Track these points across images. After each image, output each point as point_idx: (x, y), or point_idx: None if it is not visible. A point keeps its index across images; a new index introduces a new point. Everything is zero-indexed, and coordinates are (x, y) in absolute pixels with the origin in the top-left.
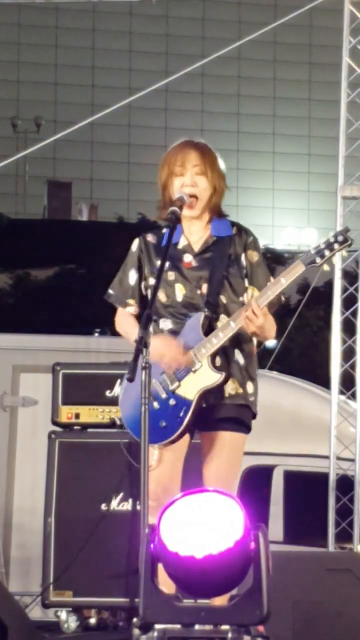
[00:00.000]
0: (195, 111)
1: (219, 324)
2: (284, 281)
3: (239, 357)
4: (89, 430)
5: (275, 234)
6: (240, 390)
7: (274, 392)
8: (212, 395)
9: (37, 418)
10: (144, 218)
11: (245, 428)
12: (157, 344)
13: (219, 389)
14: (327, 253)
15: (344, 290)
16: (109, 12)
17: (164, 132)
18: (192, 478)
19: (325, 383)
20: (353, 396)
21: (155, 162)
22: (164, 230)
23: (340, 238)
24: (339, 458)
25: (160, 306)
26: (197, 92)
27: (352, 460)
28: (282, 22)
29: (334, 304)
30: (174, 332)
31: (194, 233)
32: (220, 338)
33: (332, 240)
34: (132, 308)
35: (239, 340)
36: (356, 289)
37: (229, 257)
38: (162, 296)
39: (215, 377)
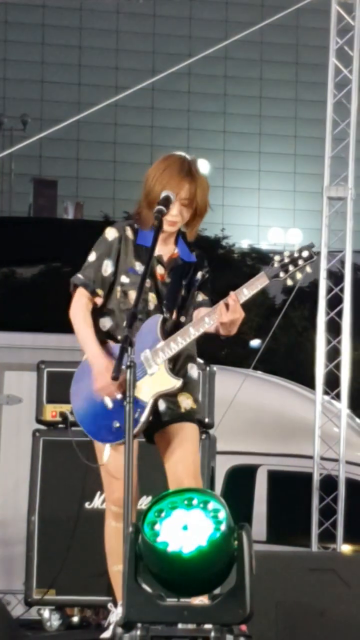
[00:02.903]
0: (181, 110)
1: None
2: (246, 292)
3: (192, 371)
4: (73, 428)
5: (261, 234)
6: (195, 406)
7: (258, 392)
8: (169, 407)
9: (21, 416)
10: (130, 216)
11: (197, 421)
12: (102, 368)
13: (175, 398)
14: (290, 268)
15: (329, 290)
16: (96, 10)
17: (150, 131)
18: (153, 476)
19: (309, 383)
20: (337, 396)
21: (141, 161)
22: (136, 226)
23: (305, 254)
24: (322, 458)
25: (122, 306)
26: (184, 92)
27: (336, 460)
28: (269, 22)
29: (319, 305)
30: (111, 334)
31: (166, 246)
32: (179, 343)
33: (296, 255)
34: (99, 299)
35: (191, 354)
36: (341, 290)
37: (188, 278)
38: (132, 297)
39: (173, 383)
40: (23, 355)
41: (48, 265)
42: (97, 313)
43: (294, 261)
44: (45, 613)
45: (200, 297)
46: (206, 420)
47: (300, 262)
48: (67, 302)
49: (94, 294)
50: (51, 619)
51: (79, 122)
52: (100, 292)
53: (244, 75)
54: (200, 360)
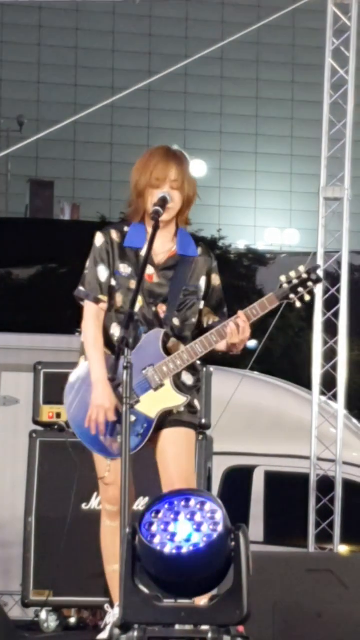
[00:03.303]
0: (178, 111)
1: (169, 345)
2: (255, 313)
3: (186, 377)
4: (70, 429)
5: (257, 235)
6: (186, 410)
7: (255, 392)
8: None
9: (18, 417)
10: (126, 217)
11: (194, 426)
12: (105, 397)
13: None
14: (300, 290)
15: (326, 291)
16: (93, 11)
17: (147, 132)
18: (148, 476)
19: (306, 384)
20: (334, 397)
21: None
22: (126, 229)
23: (313, 276)
24: (319, 459)
25: (112, 309)
26: (180, 92)
27: (333, 461)
28: (265, 23)
29: (316, 305)
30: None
31: (160, 244)
32: (185, 360)
33: (305, 277)
34: (105, 305)
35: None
36: (338, 290)
37: (189, 277)
38: (119, 300)
39: (180, 400)
40: (20, 356)
41: (45, 267)
42: (106, 325)
43: (302, 283)
44: (43, 614)
45: (211, 319)
46: (203, 421)
47: (310, 284)
48: (63, 303)
49: (97, 301)
50: (48, 620)
51: (75, 123)
52: (102, 297)
53: (241, 76)
54: (198, 365)
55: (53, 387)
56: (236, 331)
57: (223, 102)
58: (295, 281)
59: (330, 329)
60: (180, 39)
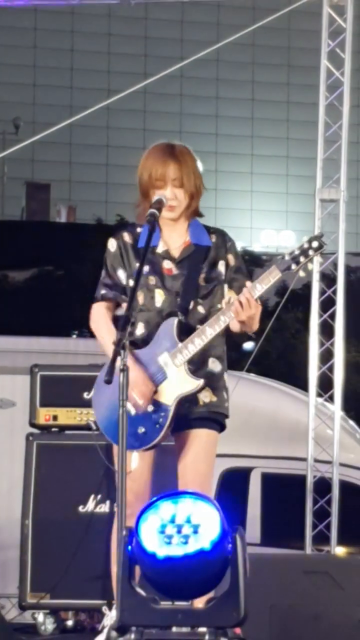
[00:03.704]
0: (173, 113)
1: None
2: (260, 288)
3: (213, 365)
4: (67, 432)
5: (254, 236)
6: (215, 399)
7: (252, 394)
8: (187, 402)
9: (14, 420)
10: (123, 220)
11: (218, 426)
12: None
13: (194, 395)
14: (302, 259)
15: (322, 292)
16: (88, 14)
17: (143, 134)
18: (171, 480)
19: (303, 385)
20: (331, 399)
21: (133, 164)
22: (139, 230)
23: (315, 244)
24: (316, 460)
25: (136, 309)
26: (176, 94)
27: (330, 462)
28: (260, 25)
29: (312, 307)
30: (146, 340)
31: (174, 239)
32: (196, 344)
33: (306, 246)
34: (125, 304)
35: (214, 348)
36: (334, 292)
37: (206, 264)
38: (140, 299)
39: (194, 384)
40: (16, 358)
41: (41, 269)
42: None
43: (304, 252)
44: (40, 617)
45: (229, 295)
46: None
47: (311, 252)
48: (60, 305)
49: (117, 298)
50: (45, 622)
51: (71, 125)
52: (124, 297)
53: (236, 77)
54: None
55: (49, 389)
56: (240, 308)
57: (219, 104)
58: (296, 252)
59: (327, 330)
60: (175, 41)
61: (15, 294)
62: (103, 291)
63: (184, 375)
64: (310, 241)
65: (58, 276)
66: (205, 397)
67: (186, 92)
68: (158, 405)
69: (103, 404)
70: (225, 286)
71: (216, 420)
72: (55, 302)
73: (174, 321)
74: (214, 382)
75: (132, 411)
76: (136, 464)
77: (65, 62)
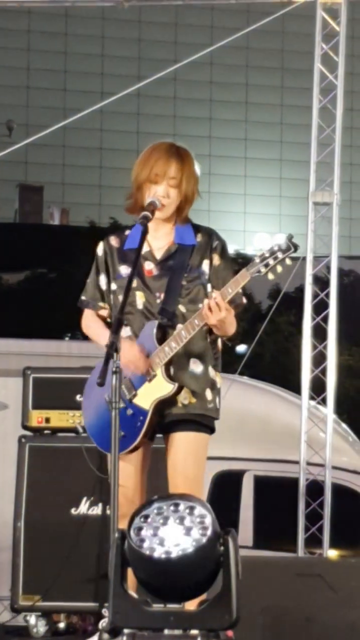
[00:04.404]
0: (167, 116)
1: (174, 333)
2: (230, 291)
3: (194, 366)
4: (59, 434)
5: (247, 239)
6: (194, 400)
7: (245, 397)
8: (167, 405)
9: (7, 422)
10: (116, 223)
11: (206, 429)
12: (123, 350)
13: (172, 399)
14: (271, 262)
15: (315, 296)
16: (82, 16)
17: (136, 137)
18: (162, 483)
19: (295, 388)
20: (323, 402)
21: (127, 167)
22: (127, 232)
23: (283, 246)
24: (309, 463)
25: (115, 313)
26: (170, 97)
27: (322, 465)
28: (254, 28)
29: (305, 310)
30: (112, 342)
31: (159, 238)
32: (172, 347)
33: (275, 248)
34: (105, 311)
35: (194, 349)
36: (327, 295)
37: (190, 265)
38: (122, 301)
39: (169, 388)
40: (9, 361)
41: (34, 271)
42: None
43: (273, 253)
44: (32, 619)
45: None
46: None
47: (279, 254)
48: (52, 307)
49: (96, 308)
50: (37, 625)
51: (64, 128)
52: (103, 304)
53: (230, 80)
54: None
55: (42, 392)
56: (209, 312)
57: (212, 106)
58: (266, 254)
59: (320, 333)
60: (169, 44)
61: (8, 296)
62: (84, 297)
63: (160, 379)
64: (279, 243)
65: (51, 279)
66: (185, 399)
67: (180, 95)
68: (136, 409)
69: (90, 407)
70: (209, 286)
71: (200, 422)
72: (48, 305)
73: (153, 325)
74: (195, 383)
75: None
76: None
77: (58, 65)
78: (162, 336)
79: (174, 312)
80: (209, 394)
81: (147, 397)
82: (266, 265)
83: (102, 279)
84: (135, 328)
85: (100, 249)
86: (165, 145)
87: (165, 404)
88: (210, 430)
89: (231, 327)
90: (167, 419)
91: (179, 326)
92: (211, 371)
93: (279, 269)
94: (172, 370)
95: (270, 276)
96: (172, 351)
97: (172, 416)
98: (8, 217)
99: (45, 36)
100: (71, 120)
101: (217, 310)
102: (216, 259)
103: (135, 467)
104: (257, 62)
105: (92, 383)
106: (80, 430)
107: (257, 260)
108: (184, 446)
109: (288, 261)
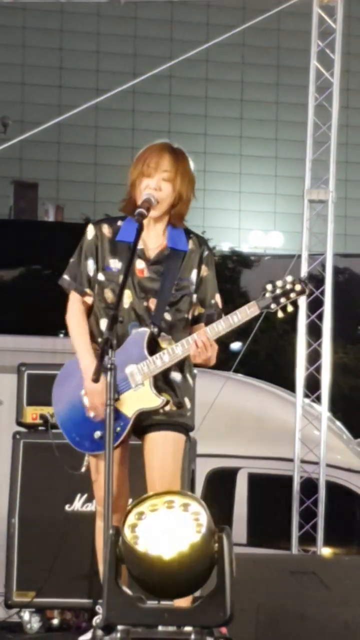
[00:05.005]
0: (162, 113)
1: (160, 341)
2: (236, 320)
3: (175, 375)
4: (54, 430)
5: (242, 237)
6: (174, 408)
7: (239, 395)
8: (148, 412)
9: (1, 418)
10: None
11: (183, 429)
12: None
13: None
14: (282, 300)
15: (310, 293)
16: (77, 13)
17: (132, 134)
18: (138, 479)
19: (290, 386)
20: (318, 399)
21: (122, 164)
22: (119, 223)
23: (297, 287)
24: (303, 461)
25: (103, 305)
26: (165, 94)
27: (316, 463)
28: (250, 25)
29: (300, 308)
30: (107, 338)
31: (151, 237)
32: (165, 362)
33: (289, 287)
34: (90, 298)
35: (180, 361)
36: (322, 293)
37: (179, 272)
38: (108, 295)
39: (157, 402)
40: (3, 357)
41: (28, 268)
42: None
43: (285, 293)
44: (26, 615)
45: (197, 310)
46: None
47: (292, 295)
48: (47, 304)
49: (83, 294)
50: (31, 621)
51: (59, 124)
52: (88, 291)
53: (225, 77)
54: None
55: (37, 388)
56: (197, 352)
57: (208, 104)
58: (278, 291)
59: (314, 331)
60: (165, 41)
61: (2, 293)
62: (67, 277)
63: (147, 391)
64: (293, 283)
65: (46, 275)
66: (167, 406)
67: (175, 92)
68: (117, 414)
69: (62, 400)
70: (194, 297)
71: (179, 424)
72: (42, 301)
73: (145, 333)
74: (175, 391)
75: (91, 413)
76: (86, 465)
77: (54, 61)
78: (150, 344)
79: (158, 316)
80: (187, 403)
81: (131, 404)
82: (277, 303)
83: (90, 265)
84: (118, 324)
85: (90, 233)
86: (161, 143)
87: (147, 412)
88: (186, 433)
89: (214, 358)
90: (145, 423)
91: (165, 335)
92: (190, 380)
93: (290, 309)
94: (159, 383)
95: (280, 314)
96: (164, 365)
97: (152, 420)
98: (3, 214)
99: (41, 33)
100: (66, 116)
101: (205, 351)
102: (204, 270)
103: (118, 463)
104: (253, 59)
105: (63, 377)
106: (50, 420)
107: (269, 295)
108: (161, 445)
109: (298, 302)
